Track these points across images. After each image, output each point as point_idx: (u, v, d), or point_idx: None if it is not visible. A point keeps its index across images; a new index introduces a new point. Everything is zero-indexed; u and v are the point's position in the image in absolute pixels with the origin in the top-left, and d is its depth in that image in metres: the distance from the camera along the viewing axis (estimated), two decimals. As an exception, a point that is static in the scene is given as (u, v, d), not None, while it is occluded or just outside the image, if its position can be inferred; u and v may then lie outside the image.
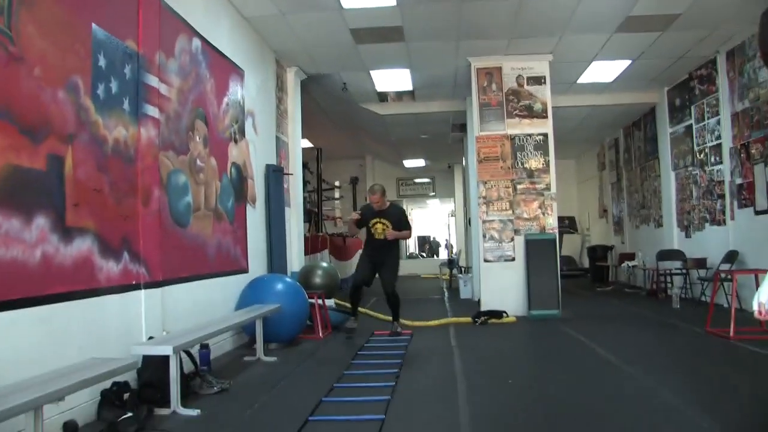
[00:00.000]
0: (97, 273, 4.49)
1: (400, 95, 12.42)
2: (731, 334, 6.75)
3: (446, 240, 23.43)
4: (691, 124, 10.94)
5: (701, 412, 4.14)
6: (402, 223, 7.76)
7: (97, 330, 4.45)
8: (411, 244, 28.43)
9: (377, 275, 7.87)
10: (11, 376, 3.37)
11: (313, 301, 7.94)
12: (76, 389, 3.31)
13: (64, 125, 4.17)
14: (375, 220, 7.67)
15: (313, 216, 14.99)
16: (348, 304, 8.76)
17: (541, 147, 9.88)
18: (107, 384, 4.39)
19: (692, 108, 10.85)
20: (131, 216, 5.00)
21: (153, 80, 5.39)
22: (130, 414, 4.10)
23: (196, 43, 6.44)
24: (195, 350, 5.55)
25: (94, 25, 4.56)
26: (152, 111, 5.34)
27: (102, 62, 4.65)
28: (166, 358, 4.55)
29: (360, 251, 15.62)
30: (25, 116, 3.77)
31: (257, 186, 8.28)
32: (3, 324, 3.54)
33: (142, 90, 5.21)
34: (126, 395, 4.40)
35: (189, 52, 6.26)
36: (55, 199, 4.05)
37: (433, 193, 23.58)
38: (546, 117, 9.91)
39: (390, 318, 8.16)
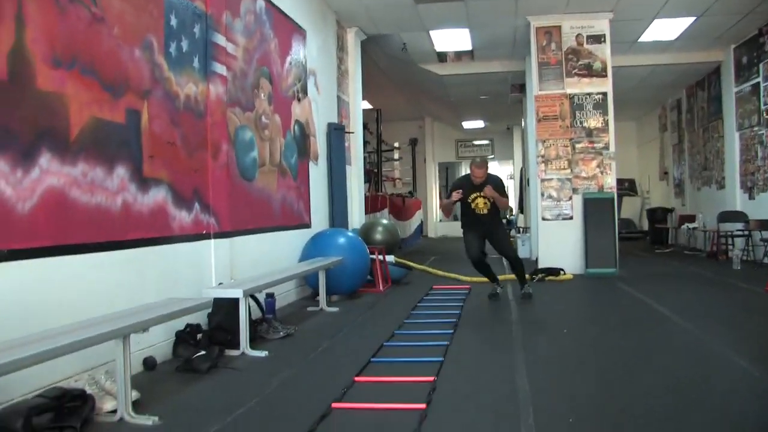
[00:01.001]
0: (170, 222, 4.78)
1: (459, 55, 12.45)
2: (791, 292, 6.75)
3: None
4: (759, 82, 10.72)
5: (752, 362, 4.23)
6: (500, 191, 7.15)
7: (171, 274, 4.75)
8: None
9: (491, 244, 7.38)
10: (99, 311, 3.68)
11: (373, 256, 8.17)
12: (159, 322, 3.60)
13: (141, 81, 4.43)
14: (475, 195, 7.08)
15: (372, 176, 15.20)
16: (408, 263, 9.09)
17: (600, 106, 9.86)
18: (181, 325, 4.71)
19: (761, 65, 10.63)
20: (201, 169, 5.27)
21: (220, 39, 5.62)
22: (203, 352, 4.40)
23: (260, 3, 6.64)
24: (261, 298, 5.85)
25: (166, -14, 4.80)
26: (220, 69, 5.58)
27: (173, 22, 4.89)
28: (236, 302, 4.83)
29: (418, 211, 15.86)
30: (107, 73, 4.04)
31: (319, 143, 8.51)
32: (92, 263, 3.86)
33: (210, 48, 5.44)
34: (199, 336, 4.70)
35: (254, 12, 6.47)
36: (133, 151, 4.32)
37: (492, 155, 23.50)
38: (605, 76, 9.87)
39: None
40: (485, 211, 7.12)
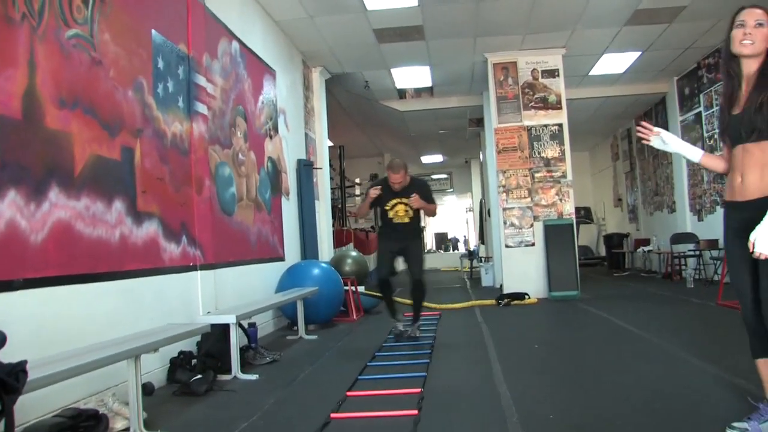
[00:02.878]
0: (162, 253, 5.01)
1: (419, 92, 12.91)
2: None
3: (464, 236, 23.93)
4: (701, 111, 11.37)
5: (707, 362, 4.61)
6: (427, 197, 6.35)
7: (163, 304, 4.97)
8: (429, 241, 28.80)
9: (403, 263, 6.69)
10: (103, 336, 3.89)
11: (346, 287, 8.43)
12: (166, 343, 3.84)
13: (134, 120, 4.69)
14: (395, 201, 6.32)
15: (337, 211, 15.48)
16: (378, 293, 9.28)
17: (557, 137, 10.34)
18: (174, 353, 4.92)
19: (701, 96, 11.29)
20: (187, 203, 5.51)
21: (201, 80, 5.91)
22: (200, 376, 4.62)
23: (235, 45, 6.95)
24: (245, 327, 6.06)
25: (153, 30, 5.08)
26: (202, 108, 5.86)
27: (161, 64, 5.17)
28: (224, 330, 5.07)
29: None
30: (104, 112, 4.29)
31: (290, 179, 8.79)
32: (95, 292, 4.08)
33: (192, 89, 5.73)
34: (194, 361, 4.91)
35: (230, 54, 6.77)
36: (128, 186, 4.57)
37: (451, 189, 24.04)
38: (560, 108, 10.38)
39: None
40: (406, 220, 6.39)
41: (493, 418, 3.55)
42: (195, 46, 5.82)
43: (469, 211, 23.80)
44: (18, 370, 2.40)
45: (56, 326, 3.68)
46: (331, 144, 14.74)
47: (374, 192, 6.27)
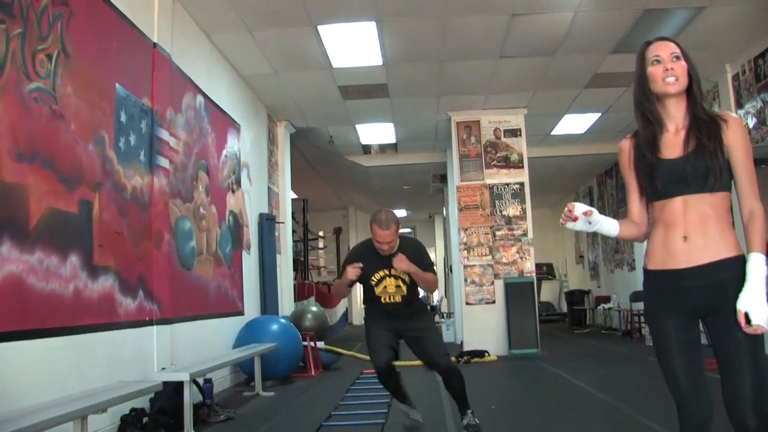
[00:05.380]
0: (117, 308, 4.94)
1: (383, 148, 13.05)
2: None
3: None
4: (659, 173, 11.61)
5: (657, 421, 4.66)
6: (423, 263, 4.57)
7: (117, 359, 4.88)
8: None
9: (411, 350, 4.94)
10: (53, 393, 3.81)
11: (305, 342, 8.37)
12: (115, 403, 3.77)
13: (93, 174, 4.67)
14: (382, 274, 4.58)
15: (299, 264, 15.44)
16: (337, 349, 9.21)
17: (518, 195, 10.48)
18: (126, 409, 4.82)
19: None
20: (146, 257, 5.47)
21: (164, 134, 5.92)
22: (150, 434, 4.53)
23: (200, 99, 6.99)
24: (201, 383, 5.98)
25: (117, 84, 5.10)
26: (163, 162, 5.86)
27: (123, 118, 5.18)
28: (178, 387, 4.99)
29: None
30: (63, 166, 4.28)
31: (251, 233, 8.77)
32: (46, 347, 4.00)
33: (155, 143, 5.73)
34: (145, 419, 4.82)
35: (194, 108, 6.81)
36: (84, 240, 4.53)
37: (414, 244, 24.07)
38: (522, 167, 10.54)
39: None
40: (398, 299, 4.63)
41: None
42: (159, 100, 5.84)
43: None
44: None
45: (4, 383, 3.59)
46: (295, 197, 14.81)
47: (353, 272, 4.48)
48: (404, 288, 4.59)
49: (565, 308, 17.57)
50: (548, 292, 18.43)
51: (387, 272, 4.55)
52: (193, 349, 6.29)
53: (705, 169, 2.29)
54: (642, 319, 11.94)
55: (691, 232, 2.30)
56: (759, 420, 2.16)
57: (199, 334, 6.63)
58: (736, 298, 2.19)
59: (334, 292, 5.13)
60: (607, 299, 14.58)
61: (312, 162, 13.99)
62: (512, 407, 6.03)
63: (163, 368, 5.46)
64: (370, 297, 4.73)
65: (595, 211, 2.49)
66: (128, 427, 4.71)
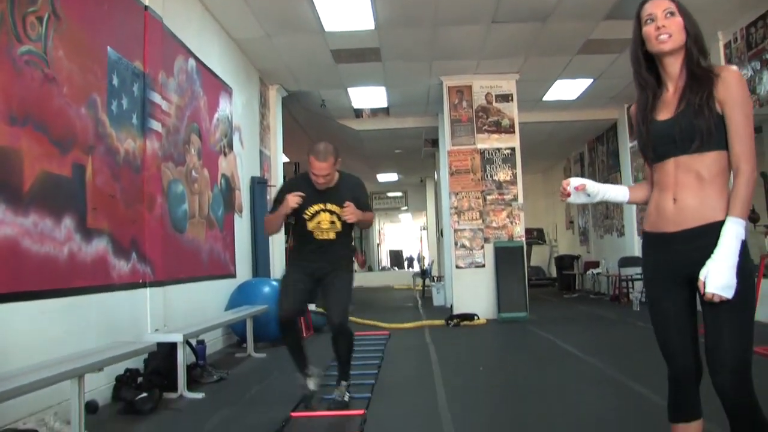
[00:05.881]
0: (111, 270, 5.00)
1: (375, 111, 13.04)
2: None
3: (418, 253, 24.15)
4: (649, 139, 11.66)
5: (640, 383, 4.80)
6: (362, 203, 4.58)
7: (111, 321, 4.95)
8: (383, 258, 28.89)
9: (319, 298, 4.93)
10: (50, 354, 3.88)
11: (296, 304, 8.44)
12: (111, 362, 3.85)
13: (86, 137, 4.69)
14: (317, 207, 4.48)
15: (290, 228, 15.46)
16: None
17: (509, 160, 10.53)
18: (120, 370, 4.90)
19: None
20: (138, 220, 5.51)
21: (156, 97, 5.92)
22: (145, 394, 4.61)
23: (192, 63, 6.98)
24: (193, 345, 6.06)
25: (109, 48, 5.10)
26: (156, 125, 5.87)
27: (115, 81, 5.19)
28: (172, 348, 5.07)
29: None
30: (56, 129, 4.30)
31: (243, 196, 8.81)
32: (38, 311, 4.06)
33: (147, 106, 5.74)
34: (139, 379, 4.90)
35: (186, 72, 6.80)
36: (78, 203, 4.56)
37: (406, 207, 24.21)
38: (513, 132, 10.57)
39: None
40: (332, 236, 4.55)
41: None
42: (151, 63, 5.83)
43: (423, 229, 23.96)
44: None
45: (2, 344, 3.66)
46: (287, 160, 14.81)
47: (294, 200, 4.36)
48: (338, 224, 4.51)
49: (554, 273, 17.71)
50: (538, 257, 18.56)
51: (322, 206, 4.47)
52: (185, 311, 6.36)
53: (691, 128, 2.23)
54: (630, 284, 12.10)
55: (680, 194, 2.26)
56: (733, 381, 2.15)
57: (192, 296, 6.70)
58: None
59: (266, 227, 4.95)
60: (596, 264, 14.71)
61: (304, 125, 13.95)
62: (499, 369, 6.16)
63: (156, 330, 5.53)
64: (300, 233, 4.62)
65: (588, 183, 2.51)
66: (123, 386, 4.78)
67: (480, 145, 10.56)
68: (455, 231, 10.53)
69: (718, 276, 2.10)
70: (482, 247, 10.43)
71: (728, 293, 2.10)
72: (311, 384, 4.65)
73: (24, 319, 3.93)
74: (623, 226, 13.41)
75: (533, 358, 6.60)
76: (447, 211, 11.12)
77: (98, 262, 4.80)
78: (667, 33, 2.30)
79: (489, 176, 10.52)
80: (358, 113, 13.03)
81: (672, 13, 2.32)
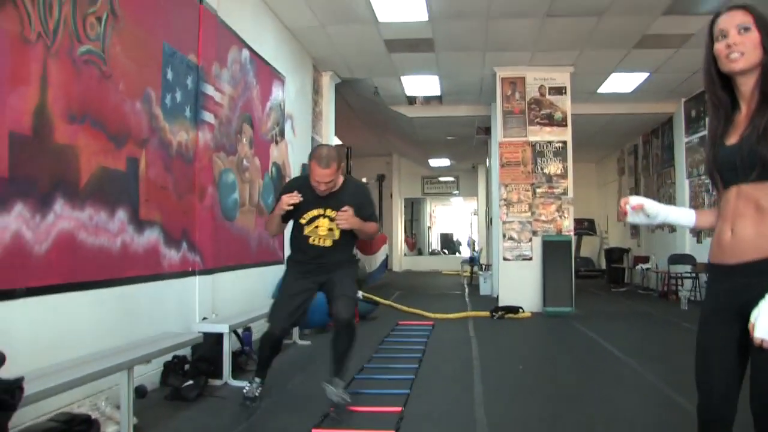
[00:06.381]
0: (161, 260, 5.17)
1: (428, 99, 13.07)
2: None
3: (469, 237, 24.10)
4: (705, 135, 11.41)
5: (679, 393, 4.74)
6: (365, 211, 4.38)
7: (161, 309, 5.14)
8: (433, 241, 28.85)
9: (325, 299, 4.57)
10: (103, 342, 4.07)
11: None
12: (158, 355, 4.02)
13: (140, 131, 4.85)
14: (315, 213, 4.33)
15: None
16: (375, 298, 9.36)
17: (560, 154, 10.45)
18: (169, 356, 5.07)
19: (707, 119, 11.34)
20: (189, 211, 5.67)
21: (209, 89, 6.06)
22: (191, 381, 4.78)
23: (245, 53, 7.10)
24: (239, 332, 6.23)
25: (164, 42, 5.24)
26: (208, 117, 6.01)
27: (169, 75, 5.33)
28: (220, 336, 5.23)
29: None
30: (112, 125, 4.45)
31: (294, 184, 8.93)
32: (95, 299, 4.25)
33: (200, 98, 5.88)
34: (186, 366, 5.07)
35: (239, 62, 6.92)
36: (131, 196, 4.73)
37: (457, 192, 24.16)
38: (566, 125, 10.48)
39: None
40: (327, 243, 4.38)
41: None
42: (205, 55, 5.97)
43: (474, 214, 23.91)
44: (15, 387, 2.55)
45: (55, 333, 3.84)
46: (340, 143, 14.92)
47: (288, 200, 4.18)
48: (337, 233, 4.30)
49: (604, 265, 17.53)
50: (588, 248, 18.39)
51: (322, 212, 4.28)
52: (234, 298, 6.53)
53: (753, 154, 2.03)
54: (679, 282, 11.92)
55: (738, 225, 2.08)
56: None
57: (241, 282, 6.87)
58: None
59: (266, 227, 5.29)
60: (645, 259, 14.52)
61: (356, 110, 14.05)
62: (538, 370, 6.17)
63: (204, 318, 5.71)
64: (296, 236, 4.47)
65: (647, 202, 2.34)
66: (170, 373, 4.96)
67: (531, 138, 10.50)
68: (504, 223, 10.52)
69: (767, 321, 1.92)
70: (530, 240, 10.40)
71: None
72: (255, 388, 4.54)
73: (80, 308, 4.11)
74: (675, 222, 13.20)
75: (574, 359, 6.60)
76: (497, 201, 11.11)
77: (150, 252, 4.97)
78: (739, 51, 2.08)
79: (539, 169, 10.47)
80: (411, 101, 13.06)
81: (747, 29, 2.09)
